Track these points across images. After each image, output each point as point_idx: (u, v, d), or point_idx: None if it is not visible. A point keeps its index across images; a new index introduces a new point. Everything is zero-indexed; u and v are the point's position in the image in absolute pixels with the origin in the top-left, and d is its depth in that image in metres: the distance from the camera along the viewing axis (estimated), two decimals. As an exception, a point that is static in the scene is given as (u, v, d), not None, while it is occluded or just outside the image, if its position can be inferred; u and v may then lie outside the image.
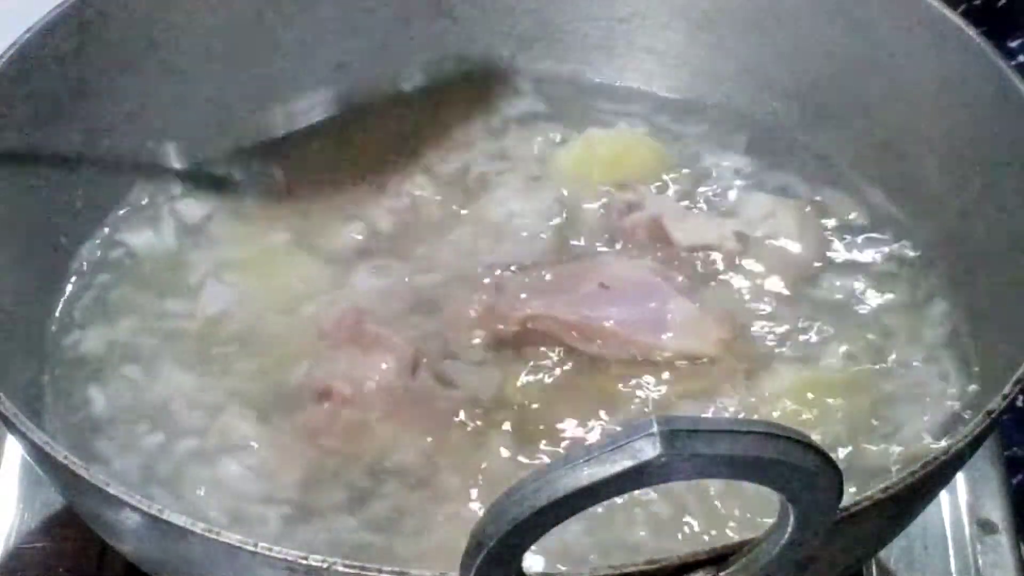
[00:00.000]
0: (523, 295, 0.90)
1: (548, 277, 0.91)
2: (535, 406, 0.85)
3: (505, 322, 0.88)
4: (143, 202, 0.98)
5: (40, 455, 0.71)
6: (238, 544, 0.64)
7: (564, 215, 0.97)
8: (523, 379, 0.86)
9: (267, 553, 0.63)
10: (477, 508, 0.79)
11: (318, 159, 1.01)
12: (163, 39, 0.99)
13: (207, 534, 0.64)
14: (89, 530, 0.79)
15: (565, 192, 0.98)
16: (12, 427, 0.72)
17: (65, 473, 0.69)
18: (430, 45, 1.07)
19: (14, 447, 0.90)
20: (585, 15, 1.08)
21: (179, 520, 0.65)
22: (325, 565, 0.63)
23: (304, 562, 0.63)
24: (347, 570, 0.63)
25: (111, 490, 0.67)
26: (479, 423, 0.84)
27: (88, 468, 0.68)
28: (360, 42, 1.06)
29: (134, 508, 0.66)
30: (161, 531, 0.66)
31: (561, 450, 0.83)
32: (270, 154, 1.01)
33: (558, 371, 0.87)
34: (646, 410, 0.85)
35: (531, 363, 0.87)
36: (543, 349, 0.88)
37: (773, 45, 1.03)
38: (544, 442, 0.83)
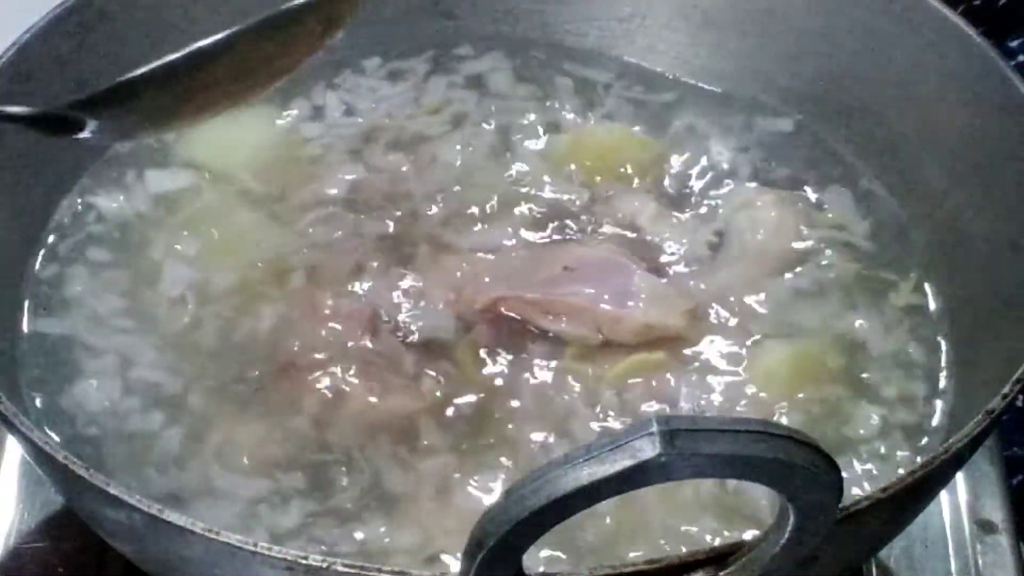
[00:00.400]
0: (489, 279, 0.90)
1: (514, 263, 0.92)
2: (502, 385, 0.86)
3: (473, 305, 0.89)
4: (115, 169, 0.98)
5: (40, 455, 0.71)
6: (238, 544, 0.64)
7: (542, 204, 0.97)
8: (491, 362, 0.87)
9: (267, 553, 0.63)
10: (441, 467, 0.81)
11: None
12: (163, 39, 0.99)
13: (207, 534, 0.64)
14: (89, 530, 0.79)
15: (547, 181, 0.98)
16: (12, 427, 0.72)
17: (65, 473, 0.69)
18: (430, 45, 1.07)
19: (14, 447, 0.90)
20: (585, 15, 1.08)
21: (179, 520, 0.65)
22: (325, 565, 0.63)
23: (304, 562, 0.63)
24: (347, 570, 0.63)
25: (111, 490, 0.67)
26: (445, 390, 0.85)
27: (88, 468, 0.68)
28: (360, 42, 1.06)
29: (134, 508, 0.66)
30: (161, 531, 0.66)
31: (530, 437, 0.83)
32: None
33: (526, 354, 0.87)
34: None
35: (499, 347, 0.88)
36: (512, 332, 0.88)
37: (773, 44, 1.03)
38: (511, 424, 0.84)
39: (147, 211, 0.96)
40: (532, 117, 1.03)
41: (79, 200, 0.96)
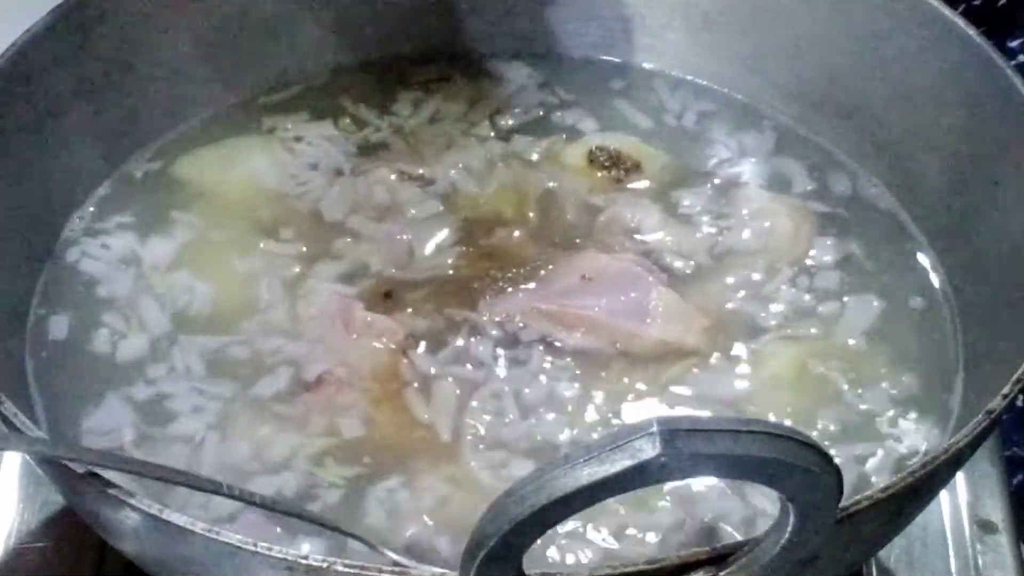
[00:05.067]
0: (508, 289, 0.90)
1: (532, 271, 0.91)
2: (522, 397, 0.85)
3: (489, 315, 0.88)
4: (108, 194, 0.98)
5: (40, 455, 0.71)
6: (238, 544, 0.64)
7: (551, 214, 0.97)
8: (510, 372, 0.86)
9: (267, 553, 0.63)
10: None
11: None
12: (162, 39, 0.99)
13: (207, 534, 0.64)
14: (89, 530, 0.79)
15: (555, 190, 0.98)
16: (12, 427, 0.72)
17: (65, 473, 0.69)
18: (430, 47, 1.07)
19: (14, 447, 0.90)
20: (585, 15, 1.08)
21: (179, 520, 0.65)
22: (325, 565, 0.63)
23: (304, 562, 0.63)
24: (347, 570, 0.63)
25: (111, 490, 0.67)
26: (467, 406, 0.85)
27: (88, 468, 0.68)
28: (360, 41, 1.06)
29: (134, 508, 0.66)
30: (161, 531, 0.66)
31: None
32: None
33: (545, 365, 0.87)
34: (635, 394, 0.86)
35: (517, 356, 0.87)
36: (529, 341, 0.88)
37: (774, 44, 1.03)
38: (533, 437, 0.84)
39: (142, 238, 0.95)
40: (537, 122, 1.03)
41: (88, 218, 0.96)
